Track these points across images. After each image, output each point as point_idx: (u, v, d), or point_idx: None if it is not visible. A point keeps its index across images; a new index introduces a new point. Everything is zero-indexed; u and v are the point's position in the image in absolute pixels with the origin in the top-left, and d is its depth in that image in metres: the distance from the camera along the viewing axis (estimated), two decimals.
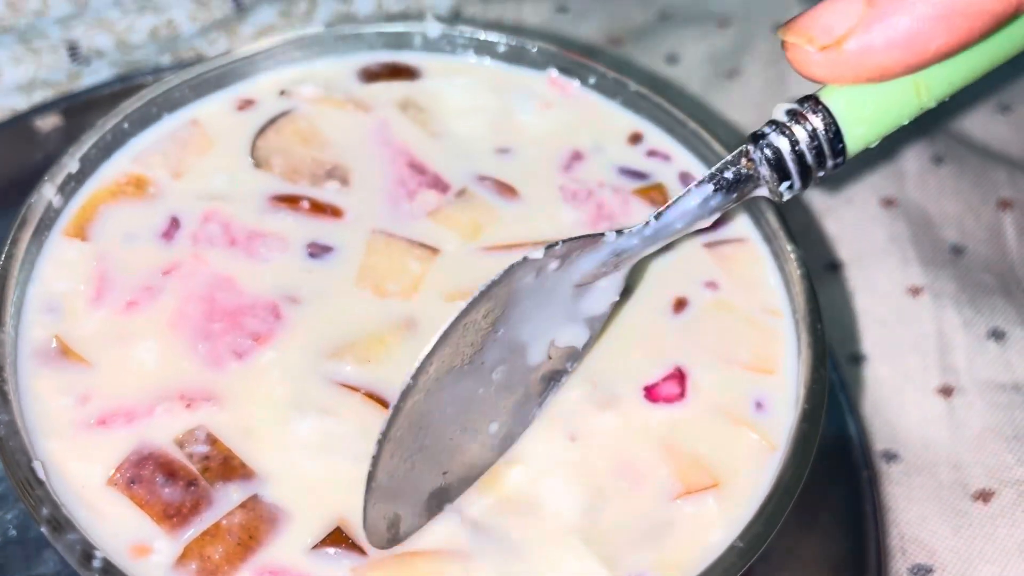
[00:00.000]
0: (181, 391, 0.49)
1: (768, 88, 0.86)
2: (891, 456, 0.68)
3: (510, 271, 0.44)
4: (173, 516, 0.45)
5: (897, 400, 0.71)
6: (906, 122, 0.47)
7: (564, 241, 0.46)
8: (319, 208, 0.56)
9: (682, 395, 0.52)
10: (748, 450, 0.50)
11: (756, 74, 0.87)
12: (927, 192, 0.81)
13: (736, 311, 0.55)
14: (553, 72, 0.63)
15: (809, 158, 0.45)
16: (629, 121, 0.63)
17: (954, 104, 0.72)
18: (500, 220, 0.57)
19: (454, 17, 0.87)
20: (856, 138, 0.46)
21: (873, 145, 0.47)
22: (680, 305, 0.55)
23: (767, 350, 0.53)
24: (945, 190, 0.81)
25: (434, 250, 0.55)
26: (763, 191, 0.47)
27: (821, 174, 0.46)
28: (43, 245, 0.53)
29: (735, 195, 0.47)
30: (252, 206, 0.56)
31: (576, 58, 0.62)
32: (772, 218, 0.56)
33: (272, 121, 0.60)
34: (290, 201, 0.56)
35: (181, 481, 0.46)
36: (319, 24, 0.85)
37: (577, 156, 0.61)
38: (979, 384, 0.70)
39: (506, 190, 0.59)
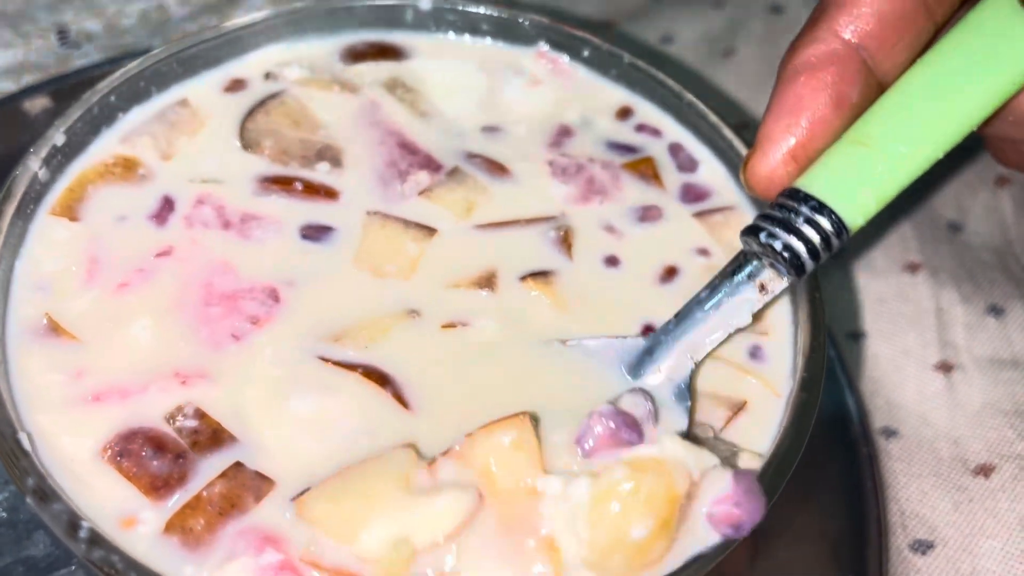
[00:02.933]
0: (176, 369, 0.49)
1: (764, 66, 0.86)
2: (891, 432, 0.68)
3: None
4: (160, 488, 0.45)
5: (896, 377, 0.70)
6: (893, 182, 0.49)
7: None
8: (313, 189, 0.56)
9: None
10: (753, 395, 0.51)
11: (751, 53, 0.87)
12: (925, 173, 0.81)
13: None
14: (543, 46, 0.63)
15: (817, 244, 0.48)
16: (619, 95, 0.62)
17: None
18: (492, 198, 0.57)
19: None
20: (856, 219, 0.48)
21: (875, 212, 0.49)
22: (670, 273, 0.54)
23: (762, 315, 0.53)
24: (942, 167, 0.81)
25: (430, 230, 0.55)
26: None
27: (825, 258, 0.49)
28: (30, 222, 0.53)
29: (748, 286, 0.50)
30: (245, 189, 0.56)
31: (568, 30, 0.62)
32: None
33: (261, 103, 0.59)
34: (283, 183, 0.56)
35: (170, 454, 0.46)
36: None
37: (565, 131, 0.61)
38: (978, 360, 0.70)
39: (496, 168, 0.58)
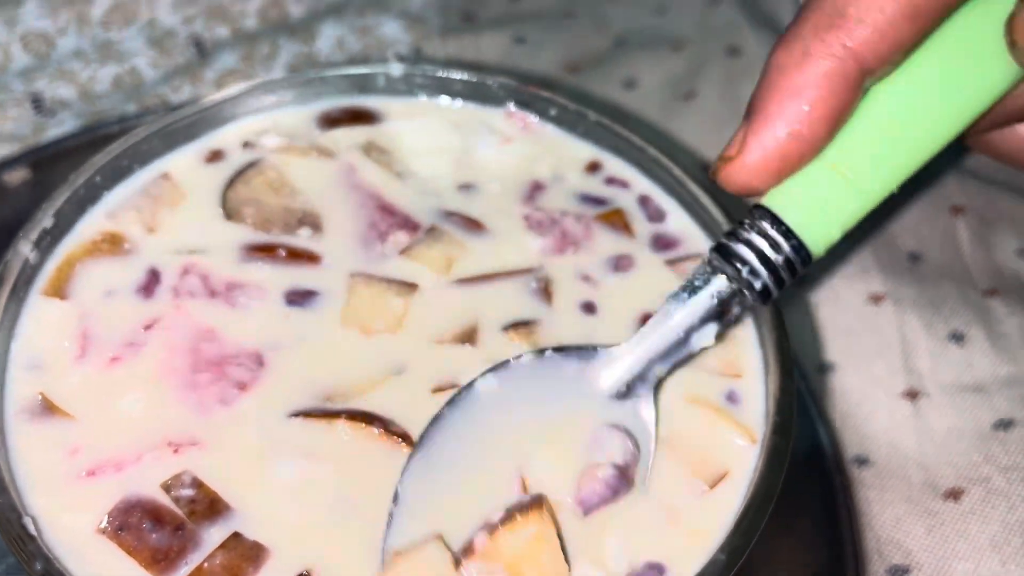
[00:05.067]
0: (168, 438, 0.50)
1: (725, 108, 0.88)
2: (862, 461, 0.70)
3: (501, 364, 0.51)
4: (161, 561, 0.46)
5: (865, 406, 0.73)
6: (858, 212, 0.51)
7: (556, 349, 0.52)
8: (296, 255, 0.58)
9: None
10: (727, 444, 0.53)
11: (712, 95, 0.90)
12: (883, 202, 0.84)
13: None
14: (511, 107, 0.65)
15: (780, 269, 0.50)
16: (587, 151, 0.65)
17: None
18: (470, 253, 0.59)
19: (415, 54, 0.89)
20: (819, 243, 0.50)
21: (837, 239, 0.51)
22: (647, 320, 0.57)
23: (734, 357, 0.55)
24: (899, 198, 0.84)
25: (412, 285, 0.57)
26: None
27: (789, 282, 0.50)
28: (23, 303, 0.54)
29: (719, 311, 0.51)
30: (229, 257, 0.57)
31: (534, 91, 0.64)
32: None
33: (240, 173, 0.61)
34: (266, 250, 0.57)
35: (168, 526, 0.47)
36: (281, 67, 0.87)
37: (538, 187, 0.63)
38: (943, 386, 0.72)
39: (473, 224, 0.60)
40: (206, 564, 0.45)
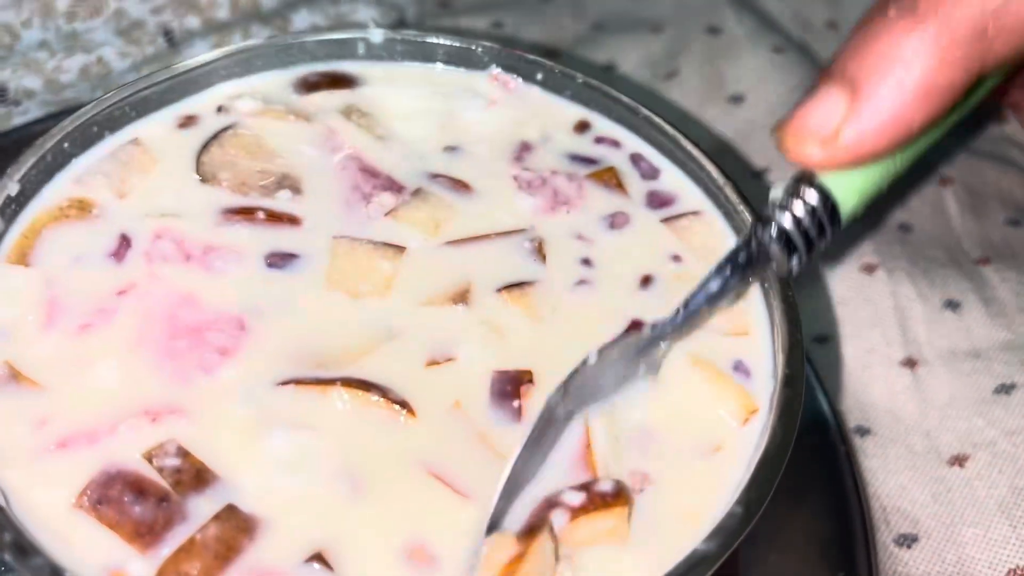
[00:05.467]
0: (146, 407, 0.47)
1: (706, 86, 0.87)
2: (863, 431, 0.68)
3: (573, 374, 0.48)
4: (145, 535, 0.43)
5: (865, 376, 0.71)
6: (885, 188, 0.50)
7: (613, 343, 0.49)
8: (276, 217, 0.55)
9: None
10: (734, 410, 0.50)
11: (693, 74, 0.89)
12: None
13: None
14: (495, 70, 0.63)
15: (813, 234, 0.49)
16: (575, 111, 0.63)
17: None
18: (459, 214, 0.57)
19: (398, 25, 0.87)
20: (849, 209, 0.49)
21: (860, 214, 0.50)
22: (647, 281, 0.55)
23: (739, 315, 0.53)
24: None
25: (399, 248, 0.54)
26: (771, 267, 0.50)
27: (822, 246, 0.50)
28: None
29: (749, 275, 0.50)
30: (204, 221, 0.55)
31: (519, 54, 0.62)
32: (730, 193, 0.56)
33: (215, 136, 0.58)
34: (245, 213, 0.55)
35: (152, 498, 0.44)
36: None
37: (526, 147, 0.61)
38: (941, 354, 0.71)
39: (460, 186, 0.58)
40: (198, 536, 0.42)
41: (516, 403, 0.49)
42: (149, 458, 0.45)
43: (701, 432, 0.50)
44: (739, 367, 0.52)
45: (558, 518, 0.44)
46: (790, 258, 0.49)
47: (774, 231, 0.49)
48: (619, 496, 0.45)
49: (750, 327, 0.53)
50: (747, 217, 0.55)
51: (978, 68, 0.46)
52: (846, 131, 0.46)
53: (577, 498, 0.45)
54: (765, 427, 0.49)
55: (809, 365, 0.67)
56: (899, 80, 0.44)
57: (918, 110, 0.45)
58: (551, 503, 0.45)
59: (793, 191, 0.49)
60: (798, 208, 0.48)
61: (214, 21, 0.88)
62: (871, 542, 0.62)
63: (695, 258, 0.56)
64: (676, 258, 0.56)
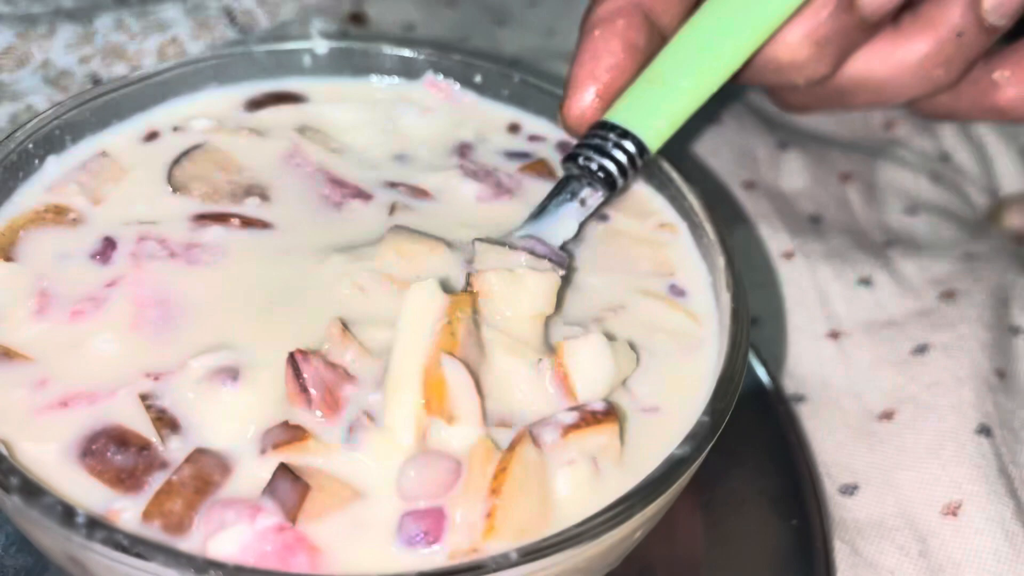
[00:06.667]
0: (147, 371, 0.49)
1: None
2: (798, 398, 0.73)
3: None
4: (126, 479, 0.45)
5: (794, 351, 0.76)
6: (682, 110, 0.61)
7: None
8: (248, 222, 0.57)
9: None
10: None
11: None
12: (779, 172, 0.89)
13: (629, 234, 0.60)
14: (430, 76, 0.67)
15: (627, 168, 0.59)
16: (507, 113, 0.68)
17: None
18: (428, 218, 0.60)
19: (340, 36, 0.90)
20: (651, 137, 0.59)
21: (668, 136, 0.60)
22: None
23: (666, 258, 0.58)
24: (793, 169, 0.90)
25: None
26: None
27: (635, 170, 0.59)
28: None
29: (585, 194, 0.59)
30: (181, 225, 0.57)
31: (454, 57, 0.67)
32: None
33: (185, 153, 0.61)
34: (218, 219, 0.57)
35: (133, 447, 0.46)
36: None
37: (466, 147, 0.65)
38: (860, 325, 0.77)
39: (420, 193, 0.61)
40: (175, 477, 0.44)
41: None
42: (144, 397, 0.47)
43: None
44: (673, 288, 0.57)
45: (549, 434, 0.46)
46: (602, 189, 0.58)
47: (592, 166, 0.58)
48: (610, 414, 0.47)
49: (677, 268, 0.59)
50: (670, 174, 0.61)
51: None
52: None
53: (570, 417, 0.47)
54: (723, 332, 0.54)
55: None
56: None
57: None
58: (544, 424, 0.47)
59: (598, 136, 0.59)
60: (607, 147, 0.58)
61: (141, 69, 0.90)
62: (819, 491, 0.66)
63: (621, 215, 0.62)
64: (602, 216, 0.62)
